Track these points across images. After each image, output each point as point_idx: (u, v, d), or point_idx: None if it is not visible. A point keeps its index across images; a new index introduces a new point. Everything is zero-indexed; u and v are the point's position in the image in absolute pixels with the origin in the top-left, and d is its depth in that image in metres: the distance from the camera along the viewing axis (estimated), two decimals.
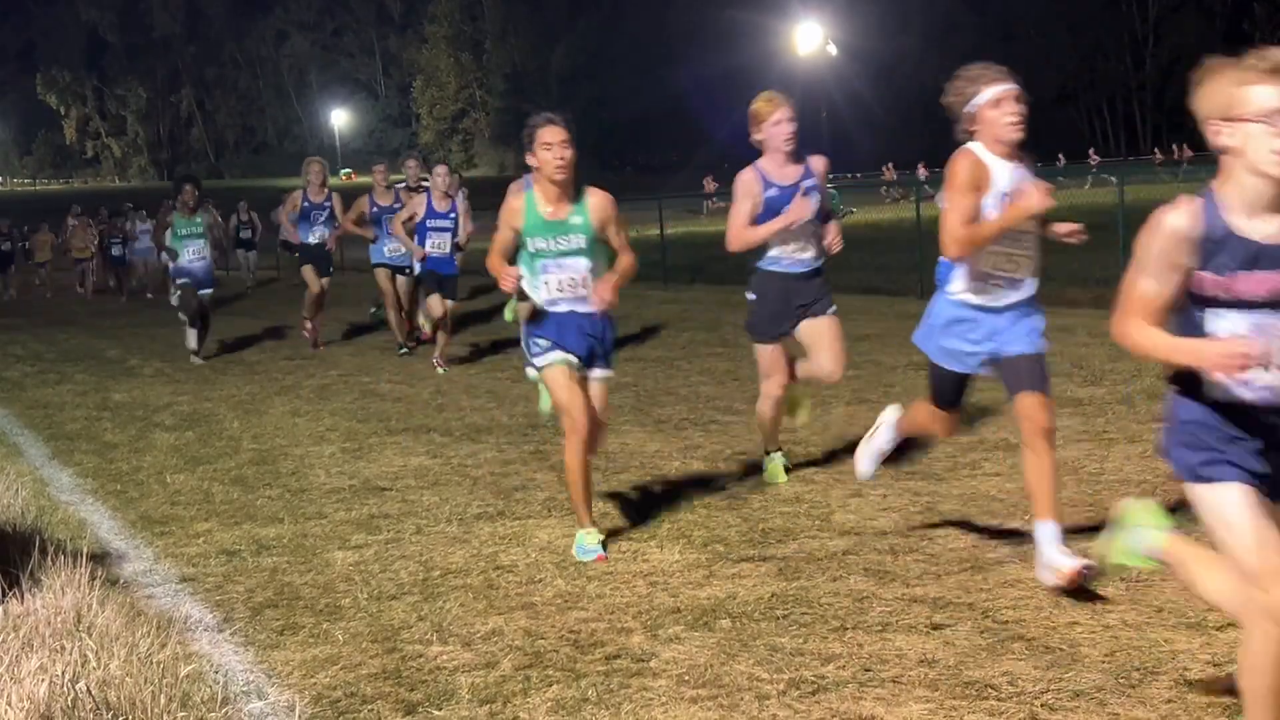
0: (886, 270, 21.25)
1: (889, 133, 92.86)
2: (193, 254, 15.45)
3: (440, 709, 4.54)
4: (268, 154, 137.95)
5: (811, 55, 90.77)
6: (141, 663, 4.71)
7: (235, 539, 7.05)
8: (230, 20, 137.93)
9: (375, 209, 15.91)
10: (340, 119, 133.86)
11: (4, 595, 5.53)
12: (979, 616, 5.12)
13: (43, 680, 4.40)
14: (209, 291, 15.69)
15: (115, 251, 31.34)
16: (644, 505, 7.25)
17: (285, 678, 4.89)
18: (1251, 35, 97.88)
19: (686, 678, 4.67)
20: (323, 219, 15.90)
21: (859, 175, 76.15)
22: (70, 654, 4.72)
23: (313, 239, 16.05)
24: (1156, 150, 78.51)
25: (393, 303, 15.38)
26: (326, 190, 16.01)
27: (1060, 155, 74.33)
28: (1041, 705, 4.27)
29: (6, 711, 4.24)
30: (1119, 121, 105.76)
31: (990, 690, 4.40)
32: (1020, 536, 6.21)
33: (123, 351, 17.37)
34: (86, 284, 32.73)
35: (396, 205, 15.38)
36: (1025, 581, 5.52)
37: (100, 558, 6.50)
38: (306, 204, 15.84)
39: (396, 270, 15.42)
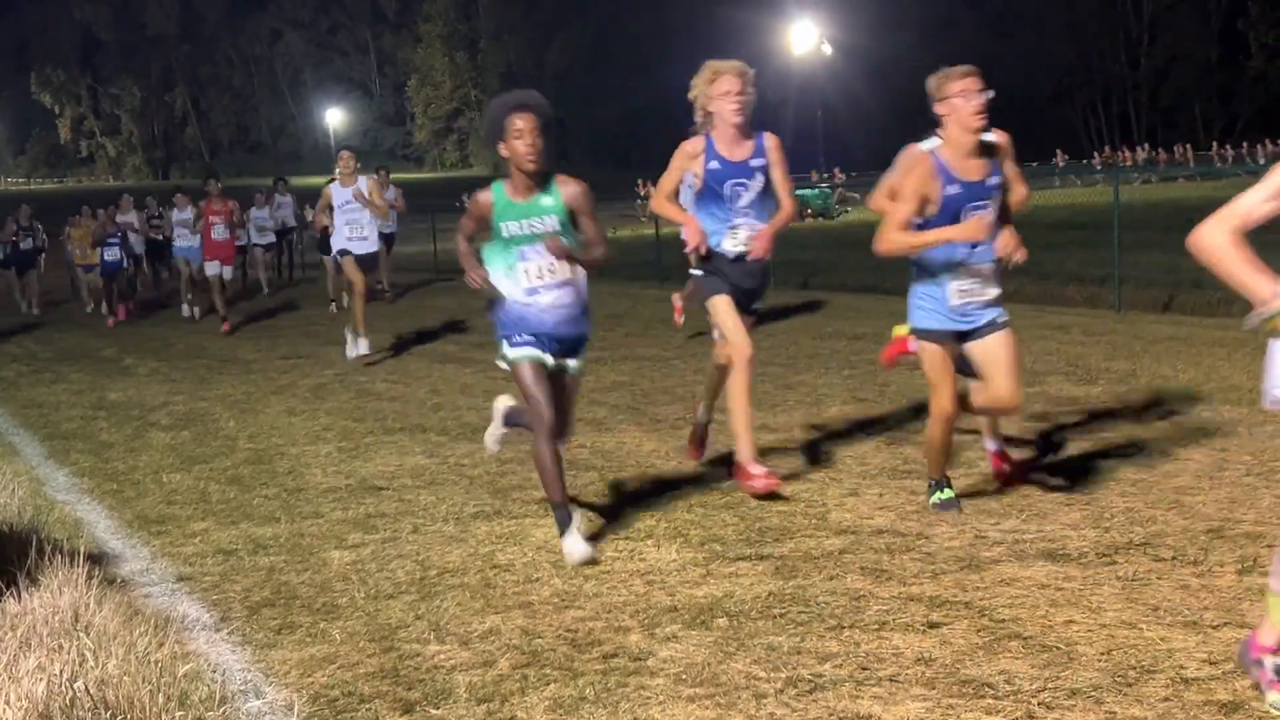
0: (883, 269, 21.25)
1: (885, 132, 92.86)
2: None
3: (438, 708, 4.54)
4: (262, 153, 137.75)
5: (807, 55, 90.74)
6: (139, 662, 4.71)
7: (232, 538, 7.05)
8: (224, 19, 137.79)
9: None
10: (335, 118, 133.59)
11: (1, 595, 5.53)
12: (975, 615, 5.13)
13: (41, 679, 4.40)
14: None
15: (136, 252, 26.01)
16: (640, 504, 7.25)
17: (283, 677, 4.90)
18: (1246, 34, 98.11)
19: (684, 676, 4.68)
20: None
21: (854, 174, 76.14)
22: (68, 653, 4.72)
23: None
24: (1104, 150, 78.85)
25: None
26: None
27: (1058, 152, 74.45)
28: (1038, 704, 4.28)
29: (4, 710, 4.24)
30: (1114, 120, 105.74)
31: (987, 689, 4.41)
32: (1016, 536, 6.23)
33: (118, 351, 17.34)
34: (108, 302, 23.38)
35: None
36: (1022, 580, 5.53)
37: (97, 557, 6.50)
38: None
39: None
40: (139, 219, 27.05)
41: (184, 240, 23.04)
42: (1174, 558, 5.74)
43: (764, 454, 8.36)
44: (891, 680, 4.54)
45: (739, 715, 4.34)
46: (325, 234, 19.56)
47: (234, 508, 7.80)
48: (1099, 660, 4.60)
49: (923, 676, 4.55)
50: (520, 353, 6.41)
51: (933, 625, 5.05)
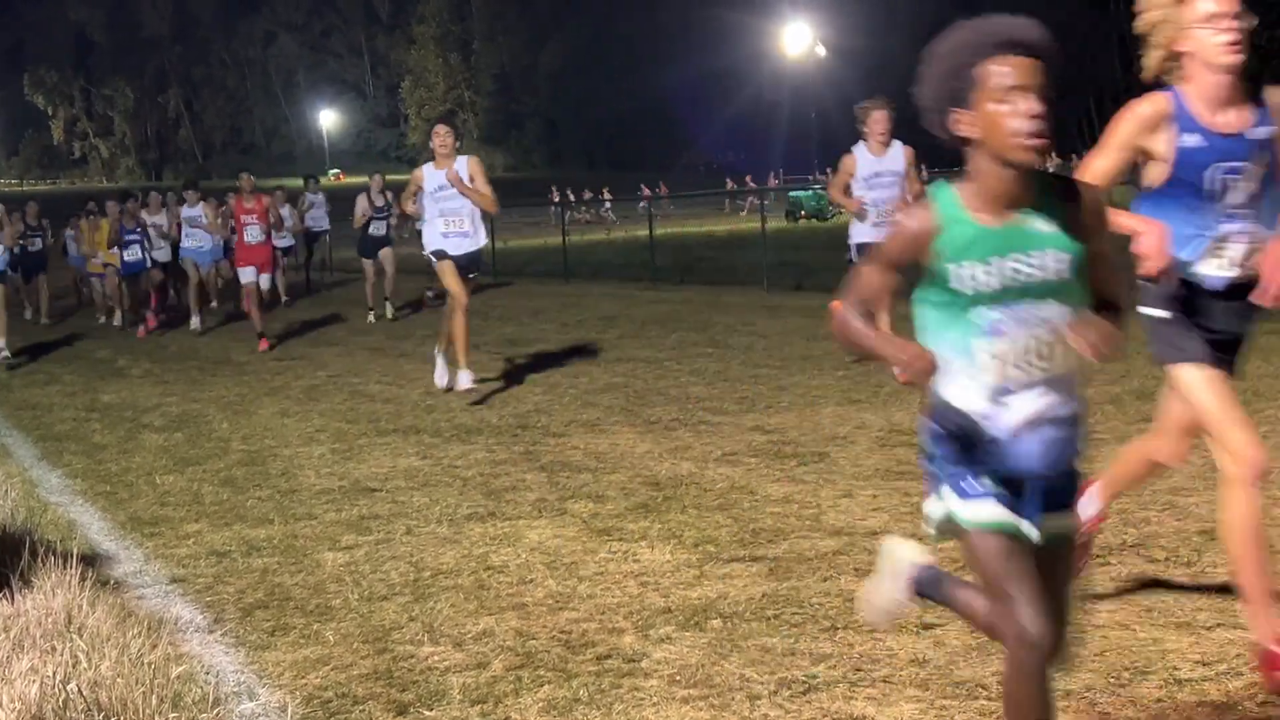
0: None
1: None
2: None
3: (431, 709, 4.54)
4: (255, 155, 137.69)
5: (800, 56, 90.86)
6: (133, 664, 4.70)
7: (225, 540, 7.05)
8: (218, 21, 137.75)
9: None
10: (328, 119, 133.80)
11: None
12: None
13: (34, 681, 4.39)
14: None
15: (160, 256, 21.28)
16: (634, 506, 7.25)
17: (276, 678, 4.89)
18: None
19: (678, 678, 4.67)
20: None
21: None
22: (61, 655, 4.72)
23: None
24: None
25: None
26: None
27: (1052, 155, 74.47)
28: None
29: None
30: (1106, 122, 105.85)
31: (981, 690, 4.41)
32: None
33: (111, 352, 17.34)
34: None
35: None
36: None
37: (90, 559, 6.49)
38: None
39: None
40: (168, 219, 21.72)
41: (191, 240, 20.00)
42: (1167, 559, 5.75)
43: (758, 455, 8.38)
44: (885, 681, 4.54)
45: (733, 716, 4.34)
46: (366, 231, 20.00)
47: (227, 509, 7.79)
48: (1092, 661, 4.60)
49: (916, 678, 4.56)
50: (981, 513, 3.36)
51: (926, 626, 5.04)
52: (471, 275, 11.88)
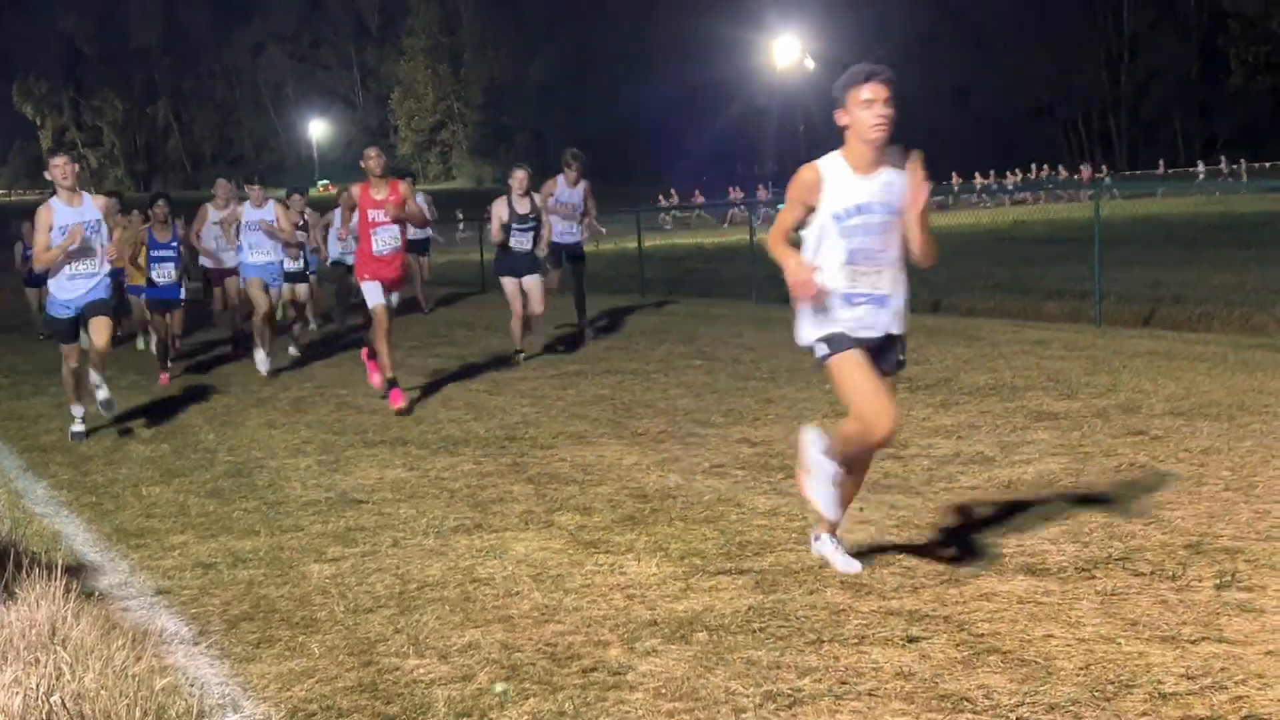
0: None
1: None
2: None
3: None
4: (245, 166, 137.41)
5: (790, 68, 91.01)
6: (117, 676, 4.69)
7: (211, 551, 7.03)
8: (208, 32, 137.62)
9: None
10: (318, 131, 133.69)
11: None
12: (955, 630, 5.13)
13: (17, 693, 4.38)
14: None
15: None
16: (621, 518, 7.25)
17: (261, 691, 4.88)
18: (1226, 51, 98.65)
19: (663, 690, 4.67)
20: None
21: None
22: (45, 667, 4.70)
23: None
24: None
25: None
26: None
27: (1047, 166, 74.88)
28: (1016, 718, 4.28)
29: None
30: (1094, 136, 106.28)
31: (966, 703, 4.42)
32: (996, 550, 6.24)
33: None
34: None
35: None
36: (1001, 595, 5.54)
37: (75, 570, 6.47)
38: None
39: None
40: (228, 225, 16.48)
41: (257, 254, 15.15)
42: (1152, 572, 5.75)
43: (745, 468, 8.38)
44: (870, 694, 4.54)
45: None
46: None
47: (213, 521, 7.77)
48: (1077, 675, 4.61)
49: (902, 691, 4.56)
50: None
51: (912, 639, 5.05)
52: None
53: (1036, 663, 4.74)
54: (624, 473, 8.50)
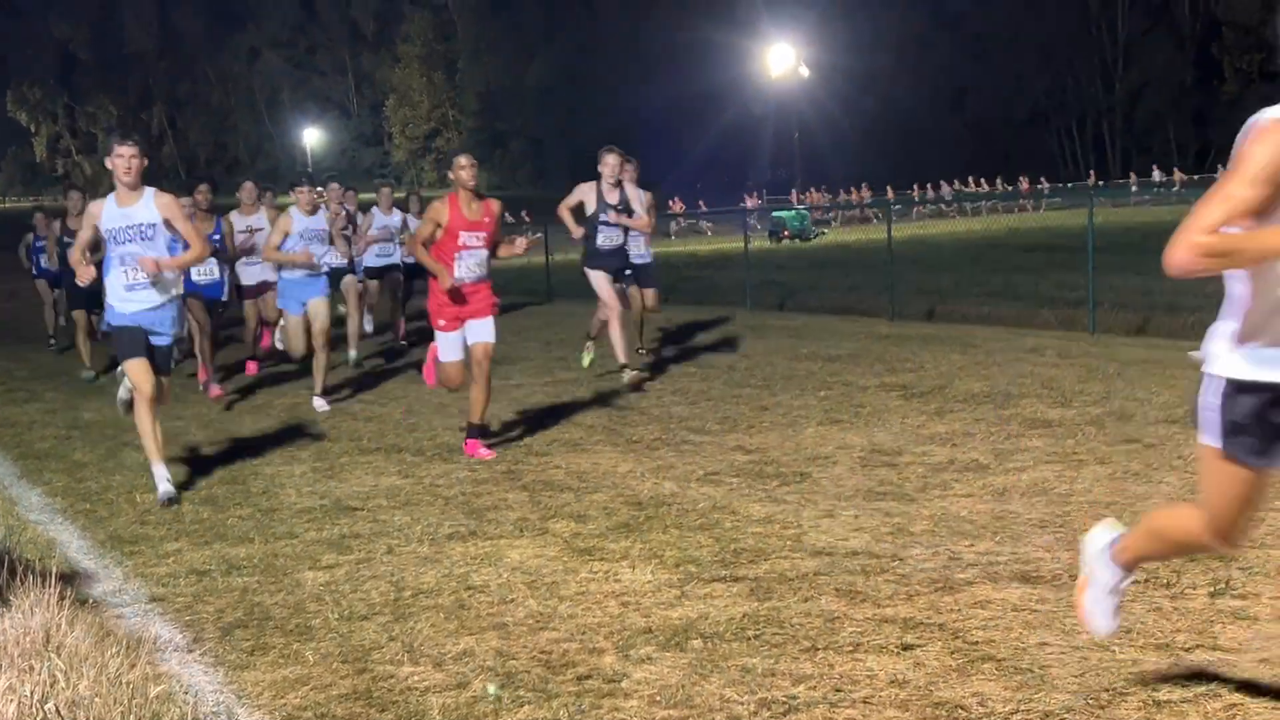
0: (858, 290, 21.35)
1: (862, 153, 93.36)
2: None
3: None
4: (240, 172, 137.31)
5: (784, 76, 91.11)
6: (111, 683, 4.68)
7: (205, 559, 7.02)
8: (203, 38, 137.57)
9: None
10: (312, 137, 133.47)
11: None
12: (949, 637, 5.14)
13: (11, 700, 4.38)
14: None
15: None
16: (616, 525, 7.25)
17: (255, 698, 4.87)
18: (1220, 59, 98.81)
19: (658, 698, 4.67)
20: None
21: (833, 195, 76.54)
22: (39, 674, 4.69)
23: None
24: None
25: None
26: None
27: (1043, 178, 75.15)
28: None
29: None
30: (1088, 143, 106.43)
31: (960, 711, 4.42)
32: (990, 558, 6.25)
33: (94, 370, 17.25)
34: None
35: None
36: (996, 602, 5.55)
37: (69, 577, 6.46)
38: None
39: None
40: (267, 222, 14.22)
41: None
42: (1146, 580, 5.75)
43: (740, 475, 8.38)
44: (865, 702, 4.54)
45: None
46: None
47: (207, 528, 7.77)
48: (1072, 682, 4.61)
49: (896, 699, 4.56)
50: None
51: (907, 647, 5.05)
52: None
53: (1031, 671, 4.74)
54: (619, 480, 8.50)
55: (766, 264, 28.86)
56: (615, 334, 12.58)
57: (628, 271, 13.74)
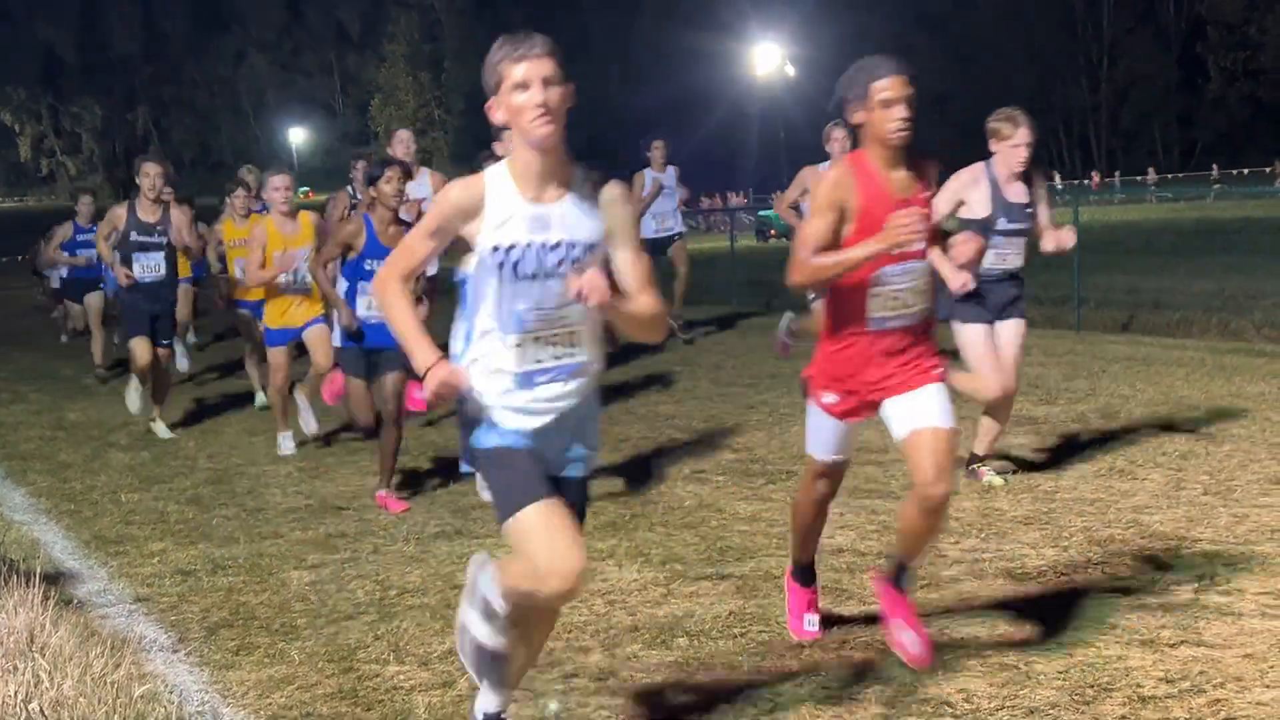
0: None
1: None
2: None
3: None
4: (224, 173, 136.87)
5: (769, 75, 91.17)
6: (95, 683, 4.67)
7: (190, 559, 7.01)
8: (188, 39, 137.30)
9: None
10: (298, 137, 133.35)
11: None
12: (935, 634, 5.14)
13: None
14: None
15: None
16: (602, 524, 7.24)
17: (241, 698, 4.87)
18: (1205, 58, 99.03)
19: (644, 696, 4.67)
20: None
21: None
22: (23, 674, 4.68)
23: None
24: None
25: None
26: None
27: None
28: None
29: None
30: (1074, 143, 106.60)
31: (946, 707, 4.43)
32: (975, 554, 6.25)
33: (78, 370, 17.18)
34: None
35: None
36: (981, 599, 5.56)
37: (54, 578, 6.44)
38: None
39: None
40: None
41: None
42: (1131, 576, 5.77)
43: (726, 473, 8.38)
44: (851, 699, 4.54)
45: None
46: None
47: (193, 528, 7.75)
48: (1056, 678, 4.62)
49: (882, 695, 4.56)
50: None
51: None
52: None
53: (1016, 667, 4.75)
54: (605, 478, 8.49)
55: (753, 263, 28.86)
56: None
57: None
